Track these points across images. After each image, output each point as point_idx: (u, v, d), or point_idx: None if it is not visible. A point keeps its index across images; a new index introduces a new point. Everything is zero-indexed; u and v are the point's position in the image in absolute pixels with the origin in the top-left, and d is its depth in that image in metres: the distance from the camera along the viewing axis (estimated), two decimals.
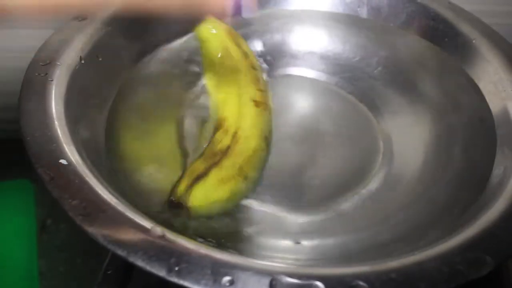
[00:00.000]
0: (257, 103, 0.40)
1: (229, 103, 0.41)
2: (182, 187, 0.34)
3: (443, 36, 0.45)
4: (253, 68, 0.42)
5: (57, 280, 0.67)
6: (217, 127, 0.40)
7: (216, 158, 0.37)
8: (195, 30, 0.42)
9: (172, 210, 0.34)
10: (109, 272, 0.39)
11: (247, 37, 0.47)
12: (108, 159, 0.35)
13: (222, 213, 0.36)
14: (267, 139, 0.39)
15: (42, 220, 0.74)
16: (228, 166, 0.36)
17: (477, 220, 0.30)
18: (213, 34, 0.42)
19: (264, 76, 0.45)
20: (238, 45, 0.42)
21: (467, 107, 0.41)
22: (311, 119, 0.44)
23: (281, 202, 0.38)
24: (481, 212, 0.31)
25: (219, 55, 0.42)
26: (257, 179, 0.38)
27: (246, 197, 0.37)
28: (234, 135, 0.38)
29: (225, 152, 0.37)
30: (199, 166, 0.36)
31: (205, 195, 0.34)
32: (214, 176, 0.35)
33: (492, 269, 0.27)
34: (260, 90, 0.41)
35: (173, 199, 0.34)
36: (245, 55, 0.42)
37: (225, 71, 0.42)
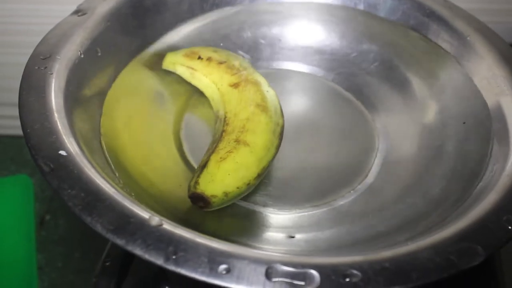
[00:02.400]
0: (235, 85, 0.41)
1: (212, 97, 0.43)
2: (192, 183, 0.35)
3: (438, 33, 0.45)
4: (220, 63, 0.43)
5: (56, 274, 0.68)
6: (215, 120, 0.41)
7: (213, 146, 0.37)
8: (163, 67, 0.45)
9: (197, 204, 0.35)
10: (107, 264, 0.39)
11: (242, 30, 0.47)
12: (106, 151, 0.36)
13: (245, 191, 0.36)
14: (260, 105, 0.39)
15: (40, 215, 0.74)
16: (224, 145, 0.36)
17: (469, 212, 0.30)
18: (175, 66, 0.44)
19: (242, 56, 0.46)
20: (200, 58, 0.44)
21: (461, 103, 0.41)
22: (307, 114, 0.45)
23: (275, 197, 0.38)
24: (473, 205, 0.31)
25: (189, 80, 0.45)
26: (265, 143, 0.37)
27: (268, 164, 0.37)
28: (225, 120, 0.39)
29: (220, 136, 0.38)
30: (203, 158, 0.37)
31: (211, 178, 0.34)
32: (213, 159, 0.35)
33: (484, 259, 0.27)
34: (235, 74, 0.42)
35: (190, 195, 0.35)
36: (209, 60, 0.43)
37: (201, 85, 0.44)
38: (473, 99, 0.40)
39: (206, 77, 0.43)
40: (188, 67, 0.44)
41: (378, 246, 0.32)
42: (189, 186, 0.35)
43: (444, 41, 0.45)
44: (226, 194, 0.34)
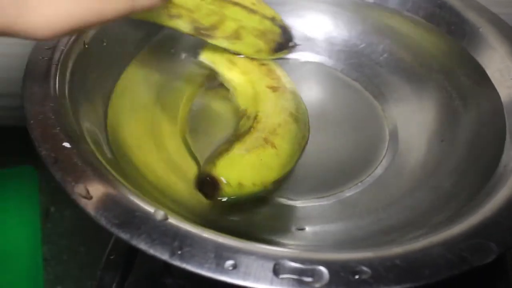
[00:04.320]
0: (274, 88, 0.41)
1: (245, 94, 0.42)
2: (206, 166, 0.33)
3: (449, 24, 0.44)
4: (262, 64, 0.43)
5: (61, 267, 0.68)
6: (241, 116, 0.40)
7: (239, 137, 0.36)
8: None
9: (202, 192, 0.33)
10: (112, 257, 0.39)
11: None
12: (111, 143, 0.35)
13: (256, 193, 0.34)
14: (293, 115, 0.39)
15: (46, 208, 0.74)
16: (251, 139, 0.36)
17: (482, 208, 0.30)
18: (214, 56, 0.44)
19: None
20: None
21: (473, 94, 0.41)
22: (316, 105, 0.44)
23: (283, 188, 0.37)
24: (485, 200, 0.31)
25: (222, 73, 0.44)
26: (290, 152, 0.37)
27: (287, 173, 0.36)
28: (255, 117, 0.38)
29: (248, 131, 0.37)
30: (222, 146, 0.35)
31: (231, 163, 0.33)
32: (238, 147, 0.35)
33: (497, 256, 0.27)
34: (275, 79, 0.42)
35: (201, 177, 0.33)
36: (252, 58, 0.43)
37: (235, 79, 0.43)
38: (486, 91, 0.40)
39: (245, 74, 0.42)
40: (229, 60, 0.43)
41: (387, 241, 0.31)
42: (201, 168, 0.34)
43: (455, 32, 0.44)
44: (240, 185, 0.33)
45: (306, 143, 0.39)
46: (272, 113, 0.39)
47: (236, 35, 0.42)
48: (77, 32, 0.31)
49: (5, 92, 0.75)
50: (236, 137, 0.37)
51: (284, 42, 0.43)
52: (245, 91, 0.42)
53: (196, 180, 0.34)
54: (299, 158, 0.38)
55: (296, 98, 0.41)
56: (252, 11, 0.41)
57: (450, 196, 0.35)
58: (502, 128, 0.37)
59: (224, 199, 0.34)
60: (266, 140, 0.36)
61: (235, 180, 0.33)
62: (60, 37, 0.30)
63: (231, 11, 0.40)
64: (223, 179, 0.33)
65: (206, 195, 0.33)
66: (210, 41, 0.41)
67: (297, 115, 0.39)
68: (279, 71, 0.43)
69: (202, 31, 0.40)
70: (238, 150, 0.34)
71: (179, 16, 0.39)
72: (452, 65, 0.43)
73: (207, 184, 0.33)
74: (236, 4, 0.41)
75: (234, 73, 0.43)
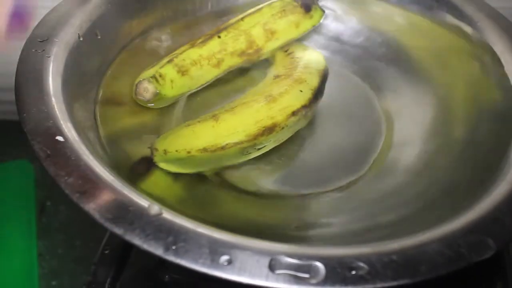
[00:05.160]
0: (278, 77, 0.41)
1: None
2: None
3: (447, 18, 0.44)
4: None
5: (56, 261, 0.67)
6: None
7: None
8: None
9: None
10: (106, 252, 0.39)
11: None
12: (104, 137, 0.35)
13: (183, 158, 0.35)
14: (270, 97, 0.38)
15: (41, 202, 0.74)
16: (205, 116, 0.37)
17: (480, 203, 0.30)
18: None
19: None
20: None
21: (470, 89, 0.40)
22: None
23: (281, 180, 0.37)
24: (483, 195, 0.30)
25: None
26: (235, 125, 0.36)
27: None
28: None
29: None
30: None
31: (167, 135, 0.36)
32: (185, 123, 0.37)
33: (495, 252, 0.26)
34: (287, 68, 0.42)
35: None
36: None
37: None
38: (484, 85, 0.39)
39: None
40: None
41: (384, 237, 0.31)
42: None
43: (453, 26, 0.44)
44: (165, 152, 0.35)
45: (279, 128, 0.37)
46: (254, 95, 0.38)
47: (270, 33, 0.43)
48: None
49: (1, 86, 0.75)
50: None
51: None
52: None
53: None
54: (261, 136, 0.36)
55: (295, 87, 0.40)
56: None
57: (447, 189, 0.35)
58: (500, 122, 0.36)
59: (159, 166, 0.36)
60: (213, 115, 0.36)
61: (162, 147, 0.35)
62: None
63: (247, 23, 0.43)
64: (155, 147, 0.35)
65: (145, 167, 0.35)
66: (263, 58, 0.44)
67: (275, 98, 0.38)
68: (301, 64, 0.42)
69: (248, 57, 0.43)
70: (181, 125, 0.36)
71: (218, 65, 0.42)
72: (449, 59, 0.43)
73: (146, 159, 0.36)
74: (244, 18, 0.43)
75: None
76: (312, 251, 0.26)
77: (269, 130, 0.36)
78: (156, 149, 0.35)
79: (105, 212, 0.26)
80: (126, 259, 0.39)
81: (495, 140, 0.35)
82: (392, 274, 0.25)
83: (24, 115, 0.31)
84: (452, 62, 0.43)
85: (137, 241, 0.25)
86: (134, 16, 0.42)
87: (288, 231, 0.34)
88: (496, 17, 0.43)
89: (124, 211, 0.26)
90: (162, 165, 0.36)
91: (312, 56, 0.43)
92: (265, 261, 0.25)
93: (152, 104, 0.39)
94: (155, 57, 0.42)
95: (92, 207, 0.27)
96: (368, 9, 0.47)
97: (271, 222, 0.35)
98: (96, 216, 0.26)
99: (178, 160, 0.35)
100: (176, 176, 0.36)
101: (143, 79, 0.39)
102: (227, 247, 0.25)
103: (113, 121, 0.37)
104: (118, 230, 0.26)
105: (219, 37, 0.42)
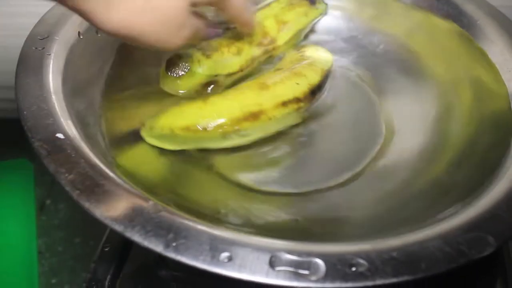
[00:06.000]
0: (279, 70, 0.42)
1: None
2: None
3: (447, 16, 0.44)
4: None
5: (56, 259, 0.67)
6: None
7: None
8: None
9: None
10: (106, 249, 0.39)
11: None
12: (105, 133, 0.35)
13: (166, 135, 0.36)
14: (264, 85, 0.39)
15: (41, 200, 0.74)
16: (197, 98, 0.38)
17: (480, 201, 0.30)
18: None
19: None
20: None
21: (470, 87, 0.40)
22: None
23: (280, 179, 0.37)
24: (483, 193, 0.30)
25: None
26: (221, 107, 0.37)
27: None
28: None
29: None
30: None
31: (159, 115, 0.37)
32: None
33: (494, 249, 0.26)
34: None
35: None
36: None
37: None
38: (483, 83, 0.39)
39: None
40: None
41: (384, 234, 0.31)
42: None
43: (453, 24, 0.44)
44: (151, 128, 0.36)
45: (265, 117, 0.37)
46: (250, 84, 0.39)
47: (281, 23, 0.45)
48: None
49: (0, 84, 0.74)
50: None
51: None
52: None
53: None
54: (244, 121, 0.37)
55: (292, 79, 0.40)
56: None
57: (446, 188, 0.35)
58: (498, 121, 0.36)
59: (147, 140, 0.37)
60: (204, 98, 0.37)
61: (150, 123, 0.36)
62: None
63: (258, 16, 0.44)
64: (143, 123, 0.37)
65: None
66: (279, 53, 0.45)
67: (268, 86, 0.38)
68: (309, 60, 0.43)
69: (264, 47, 0.44)
70: (175, 106, 0.37)
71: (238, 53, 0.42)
72: (448, 56, 0.43)
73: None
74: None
75: None
76: (312, 247, 0.26)
77: (254, 116, 0.37)
78: (144, 125, 0.37)
79: (105, 209, 0.26)
80: (126, 257, 0.39)
81: (495, 138, 0.35)
82: (392, 271, 0.25)
83: (25, 112, 0.31)
84: (453, 61, 0.43)
85: (137, 238, 0.25)
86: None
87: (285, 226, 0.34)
88: (496, 15, 0.43)
89: (124, 208, 0.26)
90: (148, 139, 0.37)
91: (321, 56, 0.44)
92: (266, 257, 0.25)
93: (180, 90, 0.40)
94: (156, 53, 0.42)
95: (92, 204, 0.27)
96: (367, 7, 0.47)
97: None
98: (96, 213, 0.26)
99: (162, 136, 0.36)
100: (160, 151, 0.37)
101: (174, 55, 0.40)
102: (228, 244, 0.25)
103: (115, 118, 0.37)
104: (119, 227, 0.26)
105: (235, 27, 0.42)
